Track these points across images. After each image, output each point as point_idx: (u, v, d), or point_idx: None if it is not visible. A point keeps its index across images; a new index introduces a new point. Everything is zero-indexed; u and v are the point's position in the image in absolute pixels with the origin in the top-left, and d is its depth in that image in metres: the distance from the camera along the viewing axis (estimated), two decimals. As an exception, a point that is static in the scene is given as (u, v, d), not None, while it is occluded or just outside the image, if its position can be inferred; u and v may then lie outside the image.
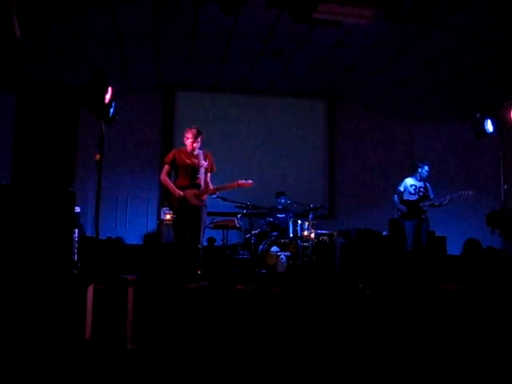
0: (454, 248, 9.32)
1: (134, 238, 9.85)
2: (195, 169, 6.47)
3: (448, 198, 8.02)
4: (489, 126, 7.21)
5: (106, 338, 3.81)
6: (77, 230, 6.99)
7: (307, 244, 9.11)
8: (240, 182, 6.68)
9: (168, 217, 8.85)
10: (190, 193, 6.39)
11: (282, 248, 8.58)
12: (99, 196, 5.66)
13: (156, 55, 9.33)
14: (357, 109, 11.85)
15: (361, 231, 9.67)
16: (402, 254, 8.28)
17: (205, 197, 6.54)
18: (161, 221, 8.89)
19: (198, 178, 6.47)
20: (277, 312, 5.28)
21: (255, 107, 11.49)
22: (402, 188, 8.42)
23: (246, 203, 8.40)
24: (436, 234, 9.38)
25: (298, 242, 8.84)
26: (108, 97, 5.62)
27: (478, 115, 7.38)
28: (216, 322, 4.65)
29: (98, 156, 5.81)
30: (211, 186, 6.57)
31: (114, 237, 9.10)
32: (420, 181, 8.42)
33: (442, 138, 11.61)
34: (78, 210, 7.45)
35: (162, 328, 4.34)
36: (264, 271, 8.53)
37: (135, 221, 10.74)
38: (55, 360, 3.30)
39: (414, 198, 8.30)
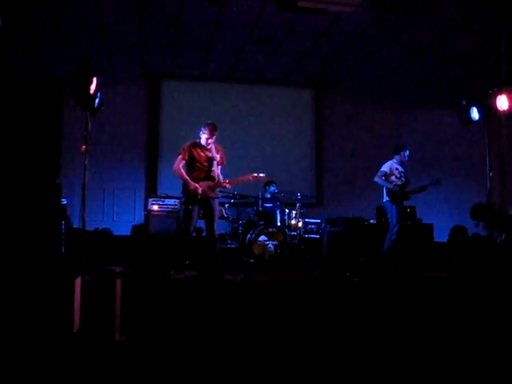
0: (440, 235, 9.38)
1: (121, 229, 9.78)
2: (210, 162, 6.61)
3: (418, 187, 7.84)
4: (474, 114, 7.25)
5: (95, 330, 3.80)
6: (63, 222, 6.94)
7: (295, 233, 9.13)
8: (254, 175, 6.85)
9: (155, 207, 8.80)
10: (205, 185, 6.53)
11: (270, 237, 8.58)
12: (85, 187, 5.64)
13: (141, 44, 9.25)
14: (344, 97, 11.84)
15: (348, 219, 9.70)
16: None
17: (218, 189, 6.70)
18: (148, 212, 8.84)
19: (213, 170, 6.61)
20: (265, 301, 5.30)
21: (242, 96, 11.44)
22: (387, 169, 7.93)
23: (233, 193, 8.38)
24: (423, 222, 9.44)
25: (286, 230, 8.85)
26: (93, 87, 5.59)
27: (464, 103, 7.42)
28: (204, 313, 4.66)
29: (83, 147, 5.79)
30: (222, 179, 6.68)
31: (101, 228, 9.05)
32: (401, 165, 8.00)
33: (428, 126, 11.65)
34: (64, 201, 7.39)
35: (151, 319, 4.34)
36: (252, 260, 8.53)
37: (122, 212, 10.70)
38: (43, 353, 3.28)
39: (399, 182, 7.88)
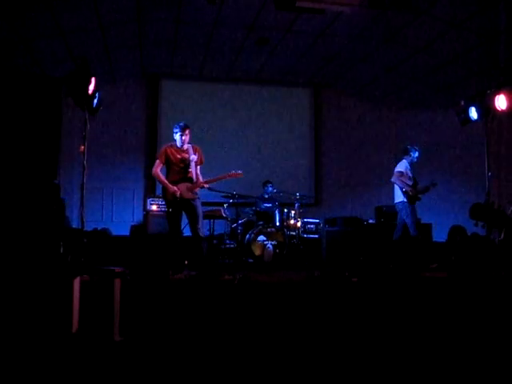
0: (439, 235, 9.39)
1: (120, 229, 9.79)
2: (186, 163, 6.61)
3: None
4: (473, 114, 7.26)
5: (94, 331, 3.80)
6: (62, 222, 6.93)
7: (294, 233, 9.13)
8: (230, 173, 6.87)
9: (154, 207, 8.81)
10: (183, 187, 6.54)
11: (269, 237, 8.58)
12: (84, 187, 5.64)
13: (140, 44, 9.24)
14: (342, 97, 11.85)
15: (347, 219, 9.69)
16: (389, 242, 8.21)
17: (197, 189, 6.66)
18: (147, 212, 8.84)
19: (190, 171, 6.61)
20: (264, 301, 5.30)
21: (240, 96, 11.44)
22: (403, 169, 7.92)
23: (232, 193, 8.39)
24: (422, 222, 9.43)
25: (285, 230, 8.86)
26: (92, 87, 5.58)
27: (463, 103, 7.43)
28: (203, 313, 4.66)
29: (82, 147, 5.78)
30: (201, 179, 6.68)
31: (100, 228, 9.04)
32: (410, 166, 8.05)
33: (427, 126, 11.64)
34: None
35: (150, 319, 4.34)
36: (251, 260, 8.54)
37: (121, 212, 10.69)
38: (42, 353, 3.28)
39: (411, 183, 7.91)
